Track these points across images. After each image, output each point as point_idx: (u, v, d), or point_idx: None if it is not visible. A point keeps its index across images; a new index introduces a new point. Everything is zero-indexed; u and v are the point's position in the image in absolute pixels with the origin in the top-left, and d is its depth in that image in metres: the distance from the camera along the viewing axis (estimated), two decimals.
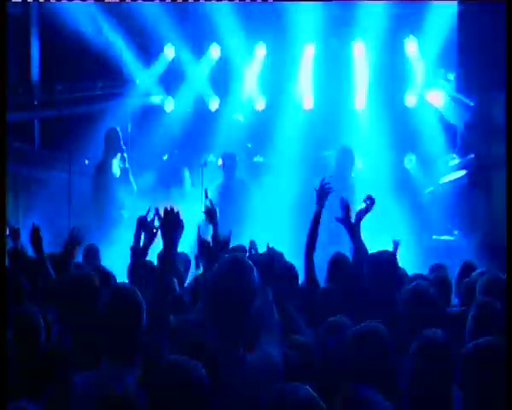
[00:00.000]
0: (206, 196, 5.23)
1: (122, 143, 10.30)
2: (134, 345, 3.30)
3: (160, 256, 3.72)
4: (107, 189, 10.10)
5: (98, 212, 10.03)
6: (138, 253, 4.69)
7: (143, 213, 4.83)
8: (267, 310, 3.41)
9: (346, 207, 5.41)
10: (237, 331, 3.19)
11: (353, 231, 5.32)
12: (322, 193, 5.40)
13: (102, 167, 10.22)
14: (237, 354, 3.15)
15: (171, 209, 3.62)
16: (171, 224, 3.57)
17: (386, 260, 4.87)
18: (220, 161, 10.73)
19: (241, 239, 6.00)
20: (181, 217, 3.63)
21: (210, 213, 4.89)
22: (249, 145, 11.48)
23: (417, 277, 5.03)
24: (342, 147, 10.46)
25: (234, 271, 3.22)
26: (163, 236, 3.59)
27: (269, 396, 2.44)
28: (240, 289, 3.17)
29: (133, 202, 9.82)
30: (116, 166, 10.23)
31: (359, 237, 5.31)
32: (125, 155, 10.28)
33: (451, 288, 4.87)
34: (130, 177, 10.28)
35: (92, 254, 6.96)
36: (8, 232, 6.18)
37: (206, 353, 2.99)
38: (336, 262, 5.46)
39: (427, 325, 3.53)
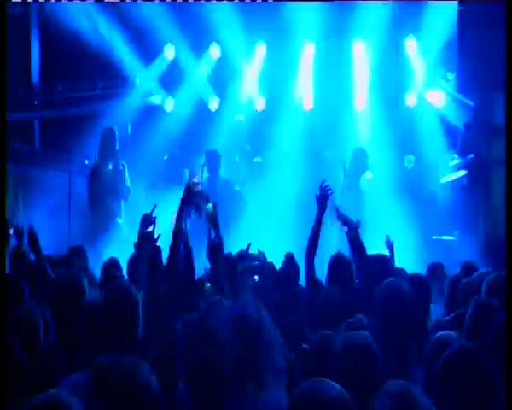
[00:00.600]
0: (208, 201, 5.23)
1: (117, 144, 10.18)
2: (131, 345, 3.28)
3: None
4: (101, 200, 9.96)
5: (94, 224, 9.92)
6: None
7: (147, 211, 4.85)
8: (274, 350, 3.38)
9: (342, 218, 5.40)
10: (246, 372, 3.08)
11: (352, 239, 5.32)
12: (323, 197, 5.40)
13: (96, 174, 10.08)
14: (249, 398, 3.08)
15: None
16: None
17: (380, 262, 4.89)
18: (203, 160, 10.60)
19: (229, 239, 5.98)
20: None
21: (212, 217, 4.93)
22: (248, 147, 11.47)
23: (416, 276, 5.01)
24: (357, 149, 10.32)
25: (243, 311, 3.09)
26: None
27: (298, 392, 2.41)
28: (249, 330, 3.06)
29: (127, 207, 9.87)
30: (110, 169, 10.11)
31: (359, 245, 5.31)
32: (123, 162, 10.16)
33: (430, 287, 4.85)
34: (127, 177, 10.18)
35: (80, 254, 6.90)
36: (12, 232, 6.18)
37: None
38: (336, 262, 5.45)
39: (399, 324, 3.52)
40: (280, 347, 3.39)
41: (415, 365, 3.54)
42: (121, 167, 10.17)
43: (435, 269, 6.21)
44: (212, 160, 10.47)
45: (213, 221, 4.96)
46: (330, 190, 5.46)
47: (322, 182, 5.47)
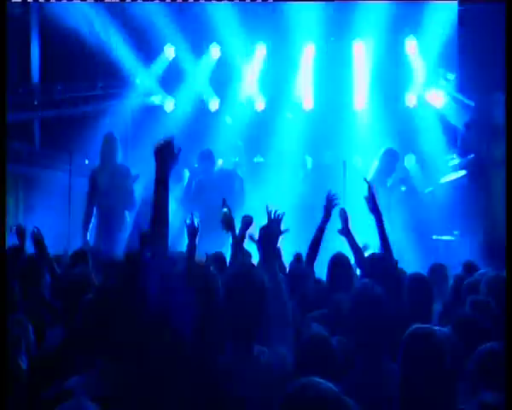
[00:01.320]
0: (224, 205, 5.22)
1: (118, 152, 9.62)
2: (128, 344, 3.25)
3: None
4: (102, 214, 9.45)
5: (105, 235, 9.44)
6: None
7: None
8: (280, 308, 3.42)
9: (345, 219, 5.41)
10: (250, 331, 3.20)
11: (352, 241, 5.33)
12: (330, 206, 5.40)
13: (95, 181, 9.50)
14: (251, 353, 3.16)
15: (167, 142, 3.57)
16: (166, 152, 3.52)
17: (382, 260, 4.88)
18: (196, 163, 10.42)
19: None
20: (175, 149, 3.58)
21: (227, 222, 4.96)
22: (239, 142, 11.40)
23: (417, 276, 5.00)
24: (388, 149, 10.16)
25: (244, 271, 3.27)
26: (157, 161, 3.50)
27: (289, 391, 2.43)
28: (251, 289, 3.20)
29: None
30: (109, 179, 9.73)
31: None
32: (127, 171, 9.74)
33: (432, 287, 4.83)
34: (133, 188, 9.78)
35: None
36: (14, 231, 6.19)
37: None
38: (336, 262, 5.45)
39: (370, 326, 3.54)
40: (286, 306, 3.45)
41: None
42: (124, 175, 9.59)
43: (436, 269, 6.20)
44: (205, 160, 10.35)
45: (229, 226, 5.00)
46: (337, 199, 5.45)
47: (330, 191, 5.45)
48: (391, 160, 10.07)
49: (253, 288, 3.20)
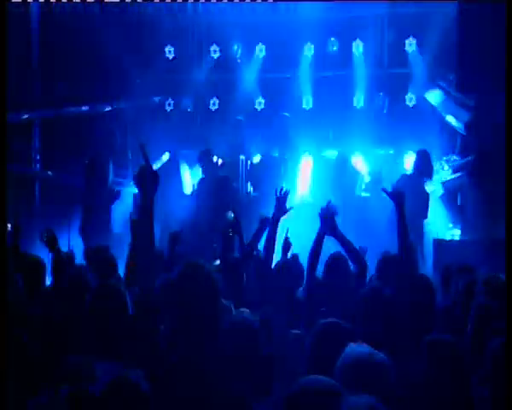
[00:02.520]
0: (229, 209, 5.25)
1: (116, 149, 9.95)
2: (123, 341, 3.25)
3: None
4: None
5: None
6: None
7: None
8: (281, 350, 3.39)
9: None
10: (200, 326, 3.01)
11: (342, 240, 5.30)
12: (327, 216, 5.32)
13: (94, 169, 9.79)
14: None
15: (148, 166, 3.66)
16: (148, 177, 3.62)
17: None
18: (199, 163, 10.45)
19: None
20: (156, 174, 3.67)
21: (234, 225, 4.98)
22: (241, 118, 11.36)
23: (419, 277, 4.99)
24: (421, 151, 9.99)
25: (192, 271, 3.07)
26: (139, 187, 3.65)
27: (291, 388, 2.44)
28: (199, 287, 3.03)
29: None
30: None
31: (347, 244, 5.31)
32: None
33: (434, 288, 4.83)
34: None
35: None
36: (10, 230, 6.15)
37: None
38: (335, 262, 5.42)
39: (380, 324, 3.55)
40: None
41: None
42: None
43: (435, 269, 6.21)
44: (205, 158, 10.36)
45: (235, 229, 5.02)
46: (335, 210, 5.37)
47: (329, 201, 5.39)
48: (426, 162, 9.81)
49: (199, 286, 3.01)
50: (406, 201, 5.09)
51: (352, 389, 2.56)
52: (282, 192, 5.52)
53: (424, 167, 9.79)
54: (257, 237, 5.39)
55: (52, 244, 5.37)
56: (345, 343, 2.92)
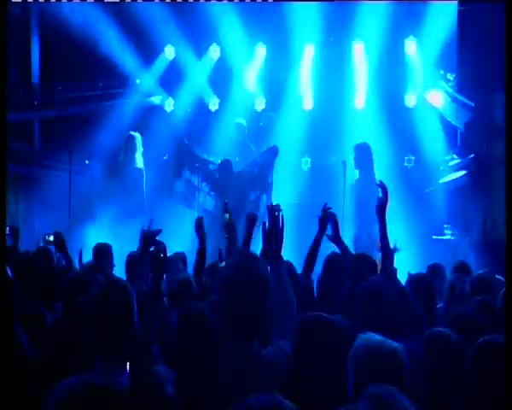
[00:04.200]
0: (226, 211, 5.22)
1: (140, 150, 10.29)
2: (126, 342, 3.23)
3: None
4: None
5: None
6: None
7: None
8: (284, 303, 3.39)
9: (335, 225, 5.34)
10: (252, 325, 3.08)
11: (343, 247, 5.30)
12: (324, 218, 5.30)
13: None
14: (252, 348, 3.10)
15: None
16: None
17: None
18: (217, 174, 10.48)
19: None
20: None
21: (228, 227, 4.97)
22: (252, 147, 11.33)
23: (418, 276, 5.00)
24: (360, 144, 9.87)
25: (248, 264, 3.13)
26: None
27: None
28: (254, 282, 3.06)
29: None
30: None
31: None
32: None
33: (433, 287, 4.84)
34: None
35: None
36: (8, 232, 6.16)
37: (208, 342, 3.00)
38: (331, 262, 5.41)
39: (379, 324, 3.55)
40: (291, 299, 3.42)
41: None
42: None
43: (436, 269, 6.20)
44: (224, 169, 10.33)
45: (229, 231, 5.01)
46: (332, 213, 5.36)
47: (325, 204, 5.37)
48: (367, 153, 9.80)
49: (255, 282, 3.07)
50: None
51: (368, 378, 2.58)
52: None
53: (364, 161, 9.67)
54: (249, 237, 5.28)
55: (61, 246, 5.41)
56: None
